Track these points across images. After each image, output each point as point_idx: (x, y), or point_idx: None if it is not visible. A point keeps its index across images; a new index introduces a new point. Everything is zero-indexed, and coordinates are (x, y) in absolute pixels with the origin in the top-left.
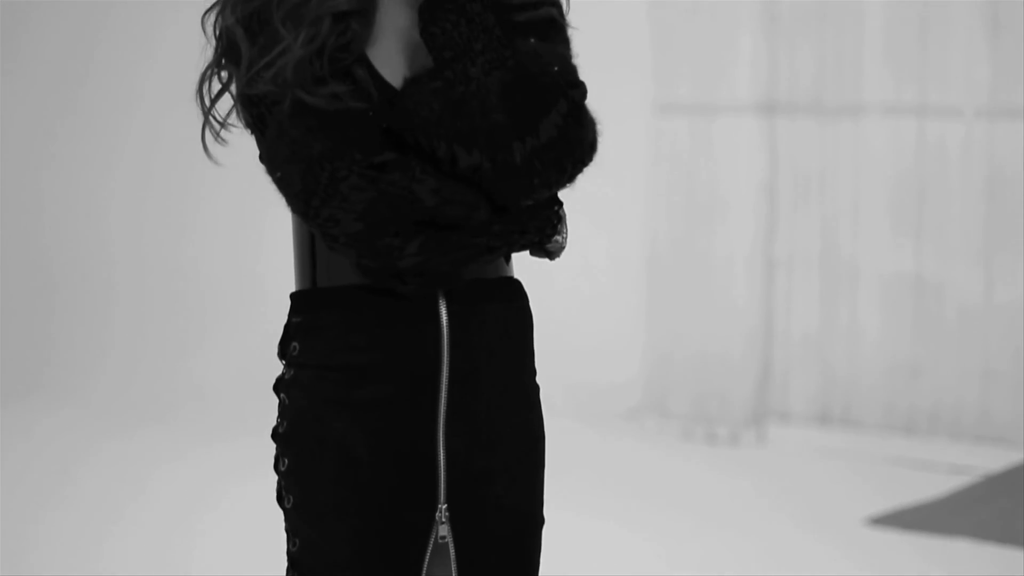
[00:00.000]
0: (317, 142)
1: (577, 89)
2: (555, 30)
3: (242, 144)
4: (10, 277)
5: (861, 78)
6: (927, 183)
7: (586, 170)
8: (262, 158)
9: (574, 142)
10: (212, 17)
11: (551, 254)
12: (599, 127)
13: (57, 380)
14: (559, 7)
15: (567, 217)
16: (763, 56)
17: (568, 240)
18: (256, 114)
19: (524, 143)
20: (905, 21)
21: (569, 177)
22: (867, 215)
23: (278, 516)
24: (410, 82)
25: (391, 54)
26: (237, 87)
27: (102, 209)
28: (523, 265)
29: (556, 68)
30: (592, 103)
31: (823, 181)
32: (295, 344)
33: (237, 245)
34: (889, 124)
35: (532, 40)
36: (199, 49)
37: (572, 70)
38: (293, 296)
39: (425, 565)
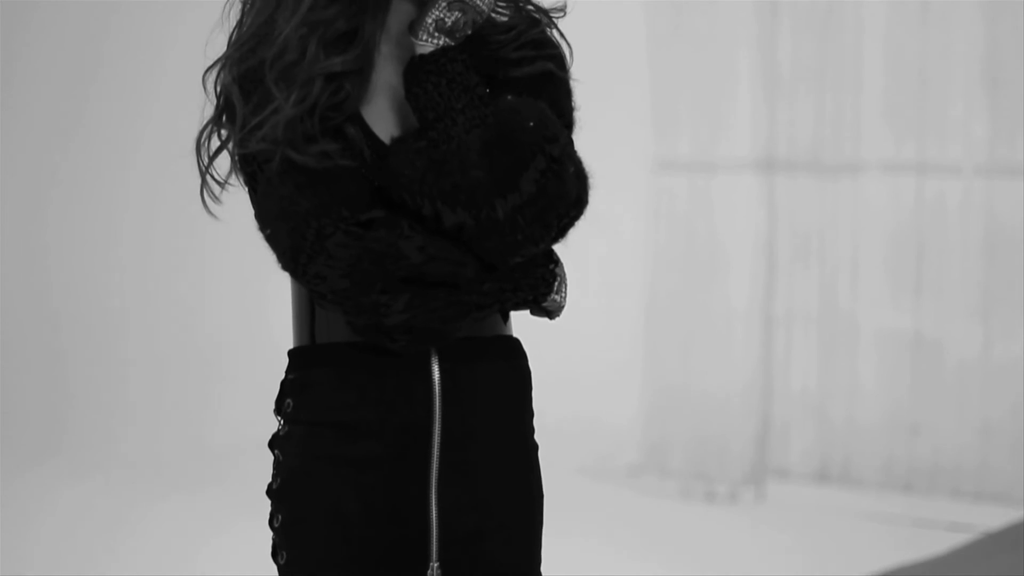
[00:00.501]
0: (305, 199)
1: (555, 143)
2: (552, 83)
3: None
4: (16, 339)
5: (860, 136)
6: (926, 240)
7: (579, 225)
8: (256, 216)
9: (554, 197)
10: (213, 75)
11: (550, 313)
12: (591, 180)
13: (67, 445)
14: (558, 59)
15: (566, 276)
16: (762, 114)
17: (568, 299)
18: (250, 172)
19: (506, 200)
20: (904, 79)
21: (558, 232)
22: (866, 272)
23: (275, 573)
24: (396, 142)
25: (385, 112)
26: (233, 144)
27: (109, 265)
28: (521, 322)
29: (532, 124)
30: (591, 160)
31: (822, 238)
32: (289, 401)
33: (247, 301)
34: (888, 181)
35: (509, 97)
36: (202, 103)
37: (550, 124)
38: (290, 353)
39: None
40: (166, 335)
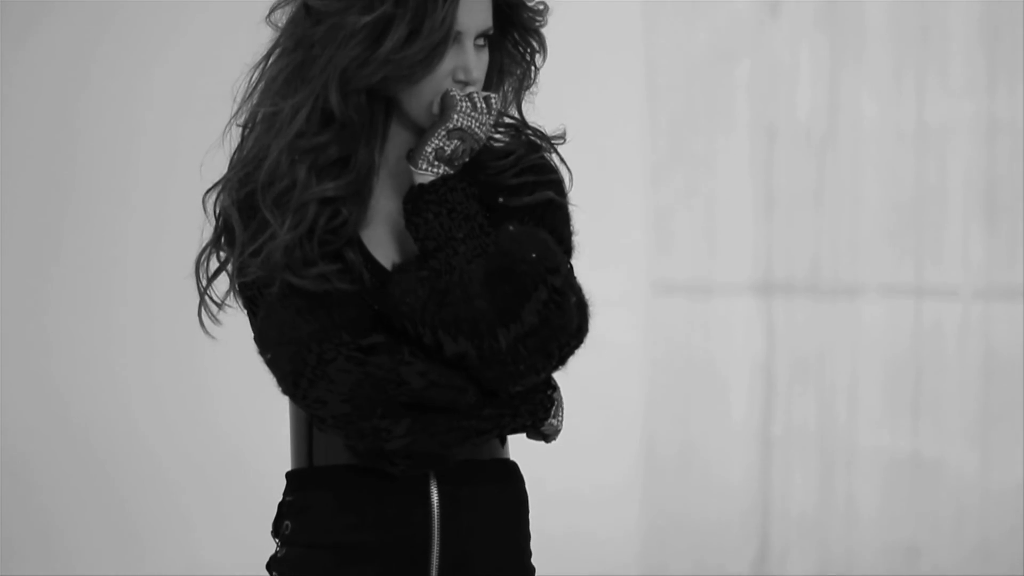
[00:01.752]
0: (306, 324)
1: (557, 274)
2: (552, 210)
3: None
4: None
5: (857, 259)
6: (924, 363)
7: (579, 351)
8: (256, 339)
9: (556, 328)
10: (213, 196)
11: (546, 437)
12: (591, 308)
13: (70, 551)
14: (558, 184)
15: (563, 400)
16: (761, 237)
17: (564, 423)
18: (249, 296)
19: (508, 330)
20: (901, 201)
21: (558, 361)
22: (864, 394)
23: None
24: (397, 270)
25: (384, 238)
26: (232, 270)
27: (113, 376)
28: (518, 446)
29: (534, 255)
30: (589, 282)
31: (820, 360)
32: (288, 523)
33: (244, 421)
34: (886, 304)
35: (511, 227)
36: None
37: (552, 255)
38: (288, 475)
39: None
40: (163, 453)
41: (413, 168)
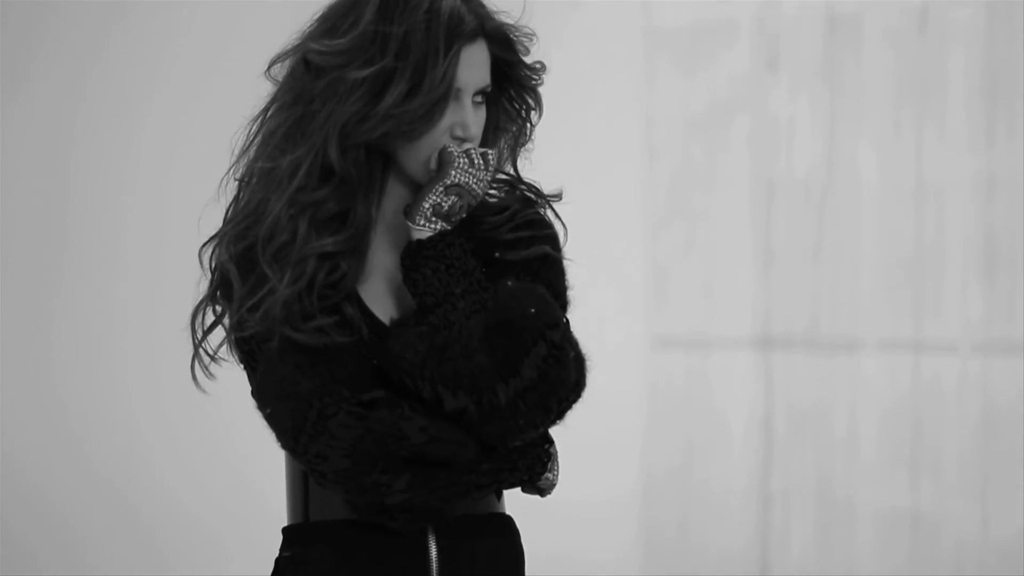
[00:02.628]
0: (306, 379)
1: (555, 329)
2: (547, 265)
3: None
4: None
5: (856, 313)
6: (923, 418)
7: (577, 407)
8: (253, 394)
9: (555, 383)
10: (209, 250)
11: (542, 491)
12: (589, 363)
13: None
14: (552, 239)
15: (559, 454)
16: (760, 291)
17: (560, 477)
18: (247, 350)
19: (508, 385)
20: (900, 256)
21: (556, 416)
22: (864, 449)
23: None
24: (396, 324)
25: (381, 293)
26: (229, 324)
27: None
28: (516, 500)
29: (533, 310)
30: (587, 338)
31: (819, 415)
32: None
33: (233, 477)
34: (885, 359)
35: (509, 283)
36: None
37: (551, 310)
38: (284, 530)
39: None
40: (154, 507)
41: (411, 224)
